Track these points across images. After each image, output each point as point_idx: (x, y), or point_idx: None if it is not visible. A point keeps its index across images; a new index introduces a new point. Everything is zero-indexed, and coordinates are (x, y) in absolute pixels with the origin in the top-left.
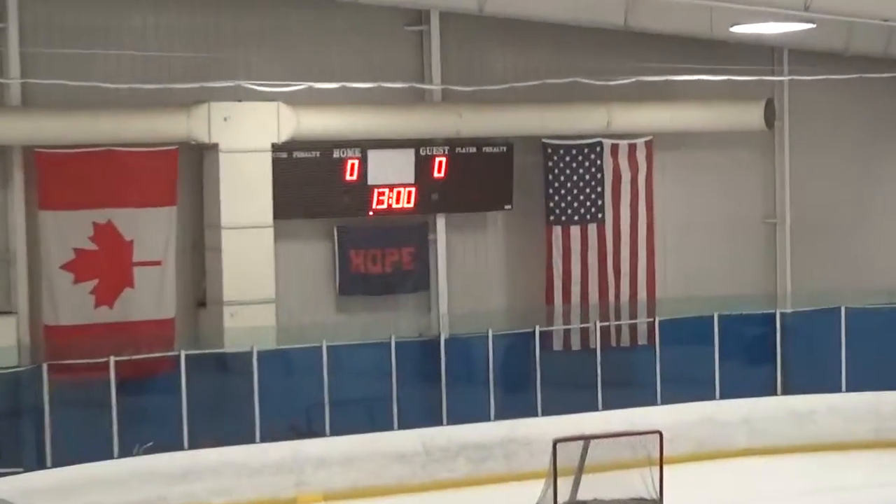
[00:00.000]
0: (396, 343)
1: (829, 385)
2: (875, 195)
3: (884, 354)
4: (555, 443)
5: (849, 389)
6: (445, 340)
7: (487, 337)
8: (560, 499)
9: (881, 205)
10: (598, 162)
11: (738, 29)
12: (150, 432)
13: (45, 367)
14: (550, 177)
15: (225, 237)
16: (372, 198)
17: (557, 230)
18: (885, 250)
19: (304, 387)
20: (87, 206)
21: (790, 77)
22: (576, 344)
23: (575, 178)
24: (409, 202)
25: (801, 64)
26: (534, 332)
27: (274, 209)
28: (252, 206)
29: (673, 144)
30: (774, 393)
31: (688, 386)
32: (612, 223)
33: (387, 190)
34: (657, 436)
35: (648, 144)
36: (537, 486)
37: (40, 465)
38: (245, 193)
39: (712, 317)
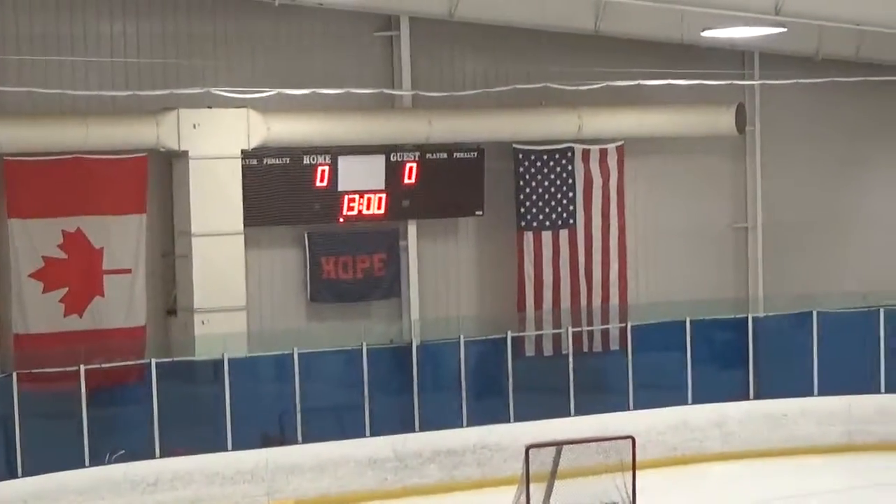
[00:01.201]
0: (368, 350)
1: (801, 389)
2: (846, 199)
3: (856, 358)
4: (527, 449)
5: (821, 393)
6: (417, 347)
7: (459, 343)
8: None
9: (852, 209)
10: (570, 167)
11: (709, 33)
12: (121, 441)
13: (14, 375)
14: (522, 182)
15: (195, 244)
16: (342, 204)
17: (529, 236)
18: (857, 254)
19: (276, 394)
20: (56, 215)
21: (761, 81)
22: (548, 349)
23: (546, 183)
24: (379, 208)
25: (773, 68)
26: (506, 337)
27: (244, 216)
28: (222, 213)
29: (644, 149)
30: (747, 397)
31: (660, 391)
32: (584, 228)
33: (357, 196)
34: (629, 441)
35: (620, 149)
36: (510, 493)
37: (11, 474)
38: (215, 200)
39: (684, 321)
